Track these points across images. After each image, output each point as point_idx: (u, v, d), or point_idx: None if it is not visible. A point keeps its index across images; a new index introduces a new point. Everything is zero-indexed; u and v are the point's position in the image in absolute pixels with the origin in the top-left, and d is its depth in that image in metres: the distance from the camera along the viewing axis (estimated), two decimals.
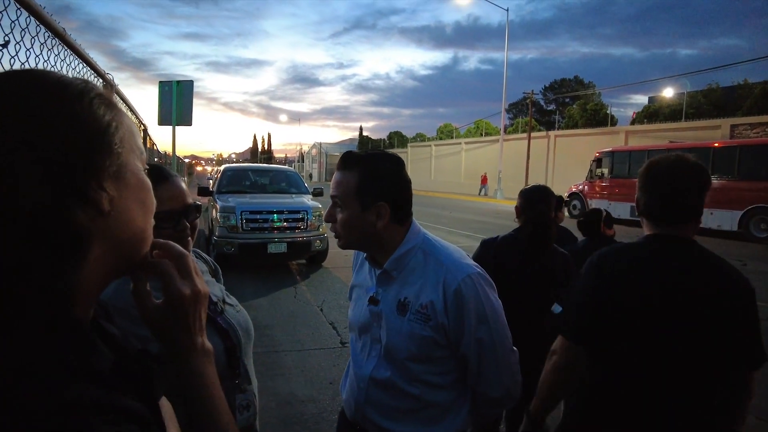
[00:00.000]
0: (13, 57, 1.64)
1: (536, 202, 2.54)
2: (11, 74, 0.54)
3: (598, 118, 34.25)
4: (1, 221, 0.46)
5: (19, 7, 1.55)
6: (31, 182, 0.47)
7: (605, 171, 18.51)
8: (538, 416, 1.65)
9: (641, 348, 1.46)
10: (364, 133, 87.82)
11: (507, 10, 27.41)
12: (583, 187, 19.37)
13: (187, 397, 0.64)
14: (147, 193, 0.60)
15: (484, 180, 33.34)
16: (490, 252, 2.56)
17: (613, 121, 34.02)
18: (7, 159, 0.47)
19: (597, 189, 18.55)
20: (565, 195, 20.48)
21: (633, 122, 33.08)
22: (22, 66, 1.72)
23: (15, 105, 0.49)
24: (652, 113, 31.62)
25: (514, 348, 1.46)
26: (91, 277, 0.53)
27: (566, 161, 29.39)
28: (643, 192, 1.55)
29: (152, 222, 0.61)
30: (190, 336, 0.64)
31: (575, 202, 19.63)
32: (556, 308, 1.94)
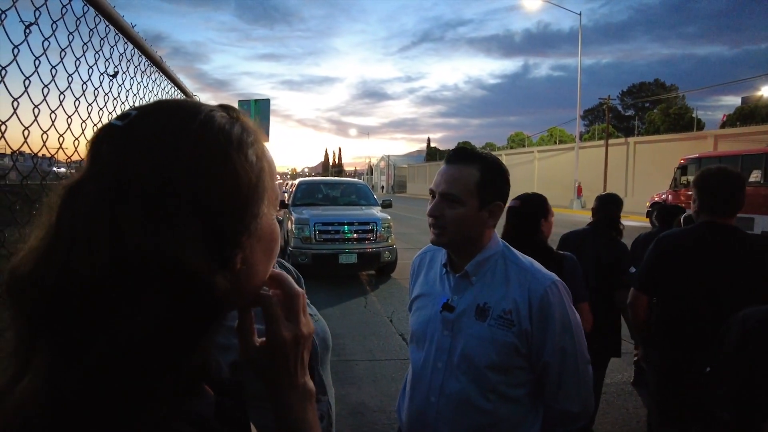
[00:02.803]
0: (120, 85, 1.84)
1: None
2: (167, 112, 0.51)
3: (683, 122, 32.18)
4: (150, 284, 0.43)
5: (126, 41, 1.74)
6: (192, 246, 0.45)
7: (691, 179, 17.22)
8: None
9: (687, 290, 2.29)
10: (432, 145, 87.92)
11: (580, 14, 26.53)
12: (667, 196, 18.12)
13: None
14: (275, 243, 0.58)
15: (579, 190, 29.90)
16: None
17: (700, 125, 31.80)
18: (173, 220, 0.44)
19: (682, 198, 17.27)
20: (647, 204, 19.29)
21: (723, 125, 30.71)
22: (128, 93, 1.93)
23: (181, 155, 0.47)
24: (747, 115, 29.21)
25: (590, 360, 1.43)
26: None
27: (647, 169, 27.73)
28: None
29: (272, 266, 0.59)
30: (291, 377, 0.60)
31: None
32: (632, 269, 2.52)
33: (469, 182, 1.35)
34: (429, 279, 1.56)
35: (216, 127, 0.50)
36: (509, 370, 1.36)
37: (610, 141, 30.24)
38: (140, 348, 0.42)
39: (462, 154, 1.40)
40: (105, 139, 0.48)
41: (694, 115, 33.66)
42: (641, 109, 50.09)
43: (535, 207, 2.46)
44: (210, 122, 0.50)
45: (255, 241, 0.53)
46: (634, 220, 20.80)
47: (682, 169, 17.72)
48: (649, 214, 18.49)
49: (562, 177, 33.08)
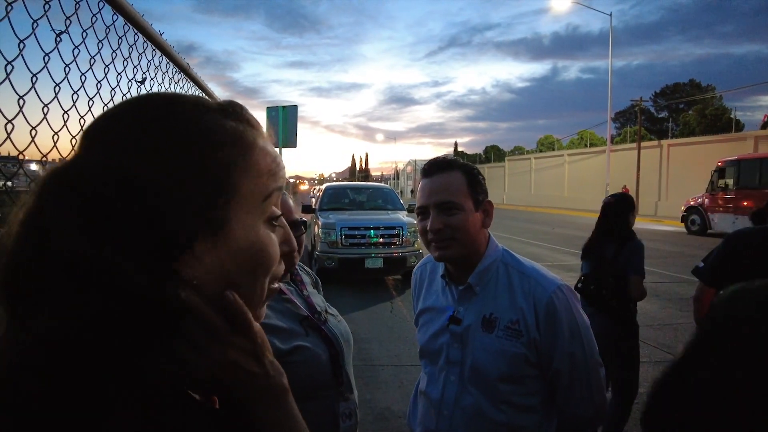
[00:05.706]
0: (148, 92, 1.88)
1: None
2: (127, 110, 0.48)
3: (720, 123, 31.14)
4: (76, 286, 0.40)
5: (154, 48, 1.78)
6: (128, 252, 0.41)
7: (729, 182, 16.60)
8: None
9: None
10: (459, 149, 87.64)
11: (610, 15, 26.02)
12: (703, 200, 17.51)
13: None
14: (260, 257, 0.51)
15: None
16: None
17: (739, 126, 30.67)
18: (109, 223, 0.41)
19: (720, 202, 16.66)
20: (682, 209, 18.68)
21: (764, 126, 29.57)
22: None
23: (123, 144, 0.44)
24: None
25: (602, 362, 1.38)
26: None
27: (682, 172, 26.89)
28: None
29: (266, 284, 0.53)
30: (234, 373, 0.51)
31: (694, 216, 17.75)
32: (700, 264, 2.52)
33: (459, 186, 1.32)
34: (432, 292, 1.53)
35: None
36: (521, 380, 1.33)
37: (643, 144, 29.42)
38: (59, 349, 0.40)
39: (441, 163, 1.38)
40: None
41: (732, 116, 32.56)
42: (675, 110, 48.71)
43: (626, 203, 3.38)
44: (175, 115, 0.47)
45: (221, 252, 0.46)
46: (668, 225, 20.21)
47: (720, 172, 17.08)
48: (684, 219, 17.93)
49: (593, 180, 32.36)
